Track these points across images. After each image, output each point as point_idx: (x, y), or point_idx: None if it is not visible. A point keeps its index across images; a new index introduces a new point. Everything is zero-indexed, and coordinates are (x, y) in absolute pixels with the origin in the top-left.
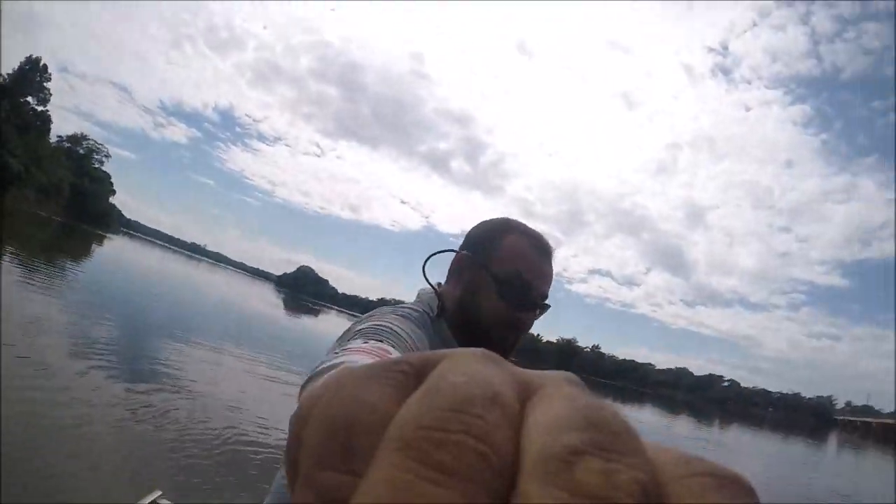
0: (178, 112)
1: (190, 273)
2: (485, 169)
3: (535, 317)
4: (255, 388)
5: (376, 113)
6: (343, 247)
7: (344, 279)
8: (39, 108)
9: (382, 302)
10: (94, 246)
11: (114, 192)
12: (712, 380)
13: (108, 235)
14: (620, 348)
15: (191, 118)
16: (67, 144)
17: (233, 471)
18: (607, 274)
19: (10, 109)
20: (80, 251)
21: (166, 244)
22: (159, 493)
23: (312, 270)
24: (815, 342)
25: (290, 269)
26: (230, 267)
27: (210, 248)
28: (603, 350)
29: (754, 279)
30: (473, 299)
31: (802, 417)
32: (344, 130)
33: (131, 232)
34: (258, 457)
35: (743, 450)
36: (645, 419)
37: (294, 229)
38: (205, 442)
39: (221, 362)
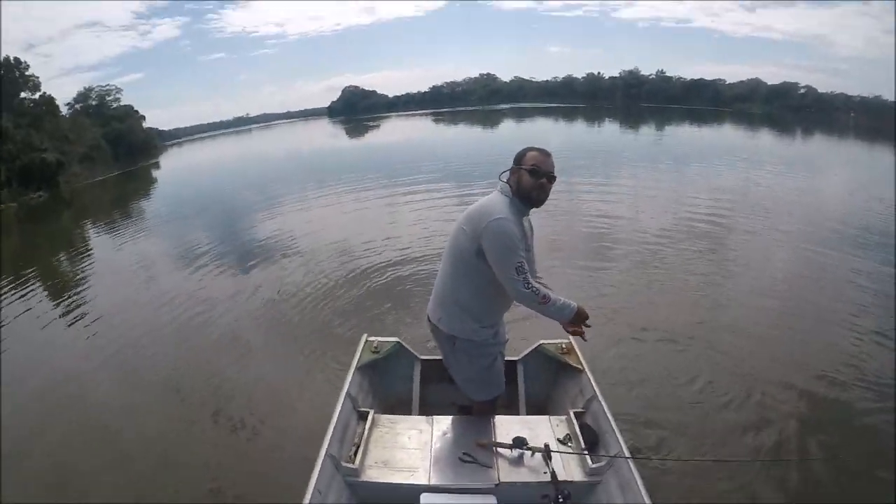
0: (155, 11)
1: (247, 146)
2: None
3: (551, 182)
4: (355, 218)
5: None
6: (376, 52)
7: (390, 83)
8: (37, 96)
9: (435, 90)
10: (154, 175)
11: (144, 118)
12: (787, 87)
13: (159, 160)
14: (686, 68)
15: (170, 9)
16: (79, 105)
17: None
18: None
19: (15, 117)
20: (146, 187)
21: (213, 132)
22: (365, 335)
23: (357, 87)
24: (891, 37)
25: (336, 95)
26: (281, 121)
27: (254, 114)
28: (669, 74)
29: None
30: (521, 183)
31: (886, 121)
32: None
33: (178, 140)
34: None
35: (829, 161)
36: (727, 138)
37: (322, 57)
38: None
39: (318, 211)
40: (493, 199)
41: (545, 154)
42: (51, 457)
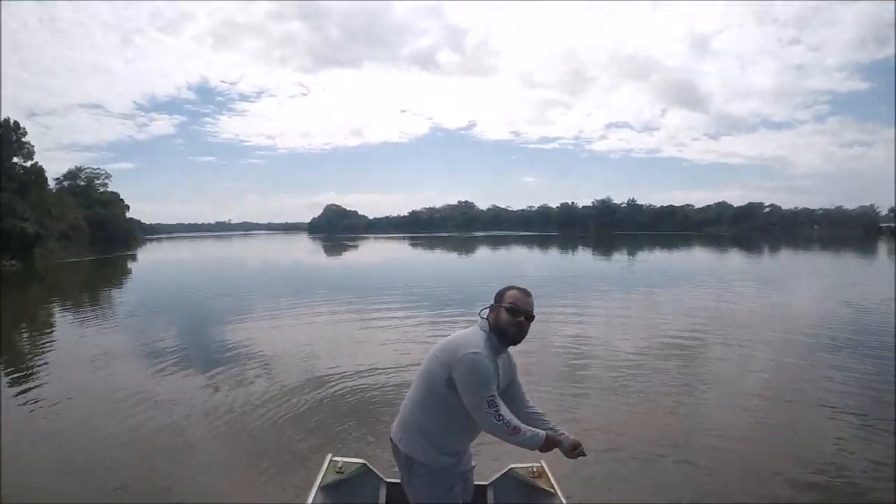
0: (155, 106)
1: (225, 251)
2: (473, 53)
3: (529, 321)
4: (325, 334)
5: (348, 32)
6: (359, 173)
7: (370, 204)
8: (28, 164)
9: (414, 215)
10: (129, 265)
11: (128, 208)
12: (753, 208)
13: (136, 252)
14: (656, 195)
15: (170, 106)
16: (67, 183)
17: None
18: (625, 125)
19: (4, 180)
20: (119, 276)
21: (193, 233)
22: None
23: (339, 206)
24: (849, 150)
25: (318, 211)
26: (261, 231)
27: (235, 220)
28: (639, 202)
29: (774, 98)
30: (499, 321)
31: (849, 230)
32: (322, 61)
33: (158, 236)
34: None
35: (797, 274)
36: (697, 260)
37: (307, 173)
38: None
39: (289, 324)
40: (471, 333)
41: (525, 294)
42: None
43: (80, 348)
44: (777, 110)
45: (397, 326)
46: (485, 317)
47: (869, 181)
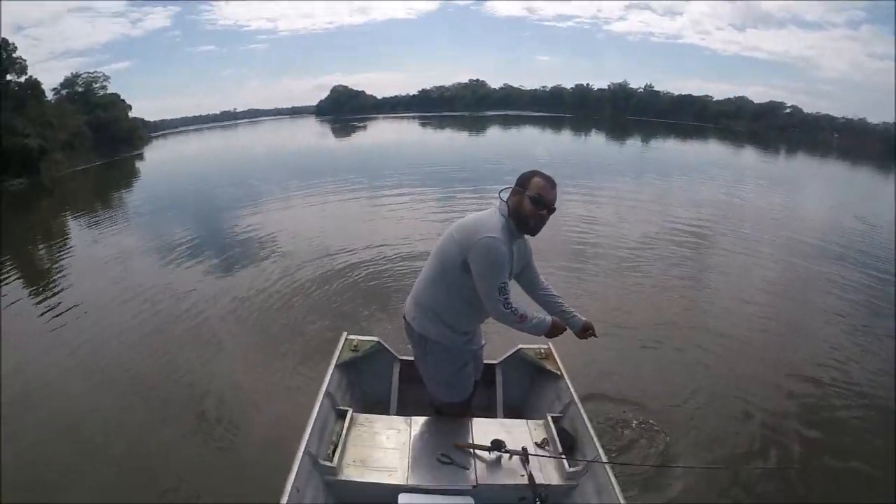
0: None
1: (232, 141)
2: None
3: (549, 214)
4: (337, 217)
5: None
6: (366, 54)
7: (378, 84)
8: (23, 79)
9: (424, 94)
10: (136, 165)
11: (130, 108)
12: (774, 107)
13: (143, 151)
14: (674, 83)
15: None
16: (65, 91)
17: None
18: (646, 7)
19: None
20: (128, 178)
21: (199, 126)
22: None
23: (346, 87)
24: (879, 63)
25: (324, 94)
26: (267, 117)
27: (240, 109)
28: (657, 88)
29: None
30: (520, 208)
31: (870, 144)
32: None
33: (163, 132)
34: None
35: (812, 179)
36: (711, 153)
37: (312, 55)
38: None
39: (299, 208)
40: (489, 216)
41: (551, 184)
42: (21, 457)
43: (97, 255)
44: (810, 8)
45: (408, 206)
46: (504, 199)
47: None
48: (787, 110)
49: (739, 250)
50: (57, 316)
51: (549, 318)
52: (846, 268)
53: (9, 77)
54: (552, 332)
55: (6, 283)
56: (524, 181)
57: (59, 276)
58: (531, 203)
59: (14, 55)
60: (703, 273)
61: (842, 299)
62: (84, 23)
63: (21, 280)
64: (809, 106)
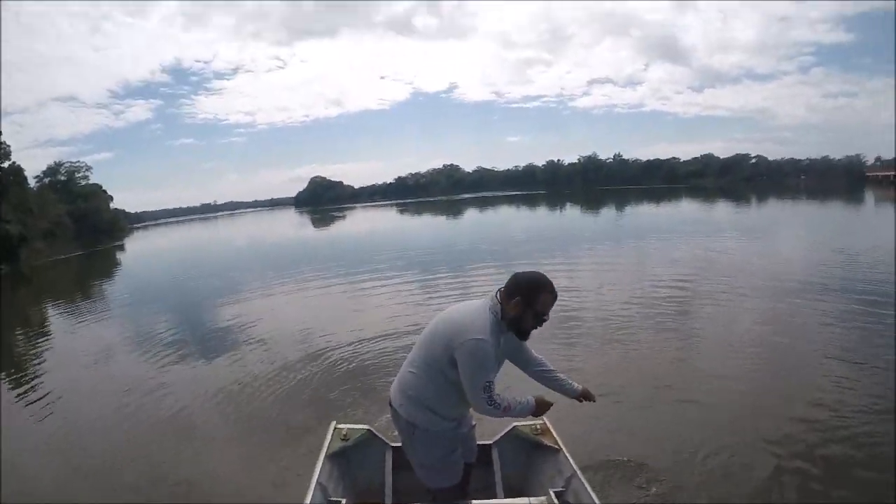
0: (130, 92)
1: (212, 233)
2: (450, 15)
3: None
4: (319, 306)
5: (321, 1)
6: (342, 144)
7: (355, 174)
8: (6, 165)
9: (400, 181)
10: (117, 256)
11: (111, 198)
12: (739, 159)
13: (123, 242)
14: (641, 149)
15: (144, 91)
16: (47, 179)
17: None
18: (607, 80)
19: None
20: (108, 269)
21: (179, 218)
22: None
23: (323, 178)
24: (833, 101)
25: (302, 185)
26: (247, 209)
27: (220, 201)
28: (625, 157)
29: (757, 50)
30: (523, 319)
31: (835, 180)
32: (297, 32)
33: (144, 224)
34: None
35: (785, 223)
36: (684, 212)
37: (289, 147)
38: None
39: (281, 299)
40: (478, 314)
41: (555, 297)
42: None
43: (76, 345)
44: (760, 62)
45: (390, 293)
46: (499, 299)
47: (854, 132)
48: (753, 160)
49: (723, 300)
50: (30, 404)
51: (531, 399)
52: (831, 299)
53: None
54: (538, 410)
55: None
56: (531, 295)
57: (36, 365)
58: (534, 318)
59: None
60: (690, 326)
61: (830, 329)
62: (68, 112)
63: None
64: (773, 153)
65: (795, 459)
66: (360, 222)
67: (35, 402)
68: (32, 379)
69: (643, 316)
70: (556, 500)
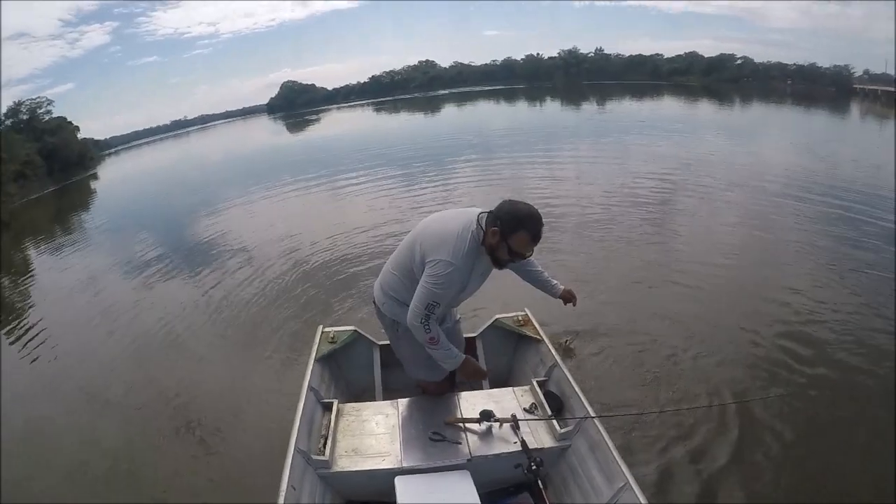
0: (83, 18)
1: (186, 149)
2: None
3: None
4: (300, 213)
5: None
6: (312, 47)
7: (328, 76)
8: None
9: (374, 80)
10: (92, 186)
11: (78, 129)
12: (724, 59)
13: (96, 171)
14: (624, 45)
15: (98, 14)
16: (10, 121)
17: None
18: None
19: None
20: (85, 200)
21: (150, 138)
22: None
23: (295, 82)
24: (826, 7)
25: (274, 91)
26: (219, 121)
27: (190, 116)
28: (607, 51)
29: None
30: (498, 249)
31: (822, 88)
32: None
33: (115, 149)
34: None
35: (769, 126)
36: (666, 110)
37: (257, 54)
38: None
39: (261, 208)
40: (458, 235)
41: (535, 236)
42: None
43: (61, 279)
44: None
45: (370, 194)
46: (483, 225)
47: (845, 41)
48: (739, 61)
49: (704, 200)
50: (23, 345)
51: (462, 355)
52: (811, 204)
53: None
54: (463, 369)
55: None
56: (509, 229)
57: (24, 305)
58: (508, 253)
59: None
60: (671, 219)
61: (809, 232)
62: (20, 49)
63: None
64: (761, 55)
65: (768, 351)
66: (336, 124)
67: (27, 341)
68: (21, 321)
69: (624, 208)
70: (538, 389)
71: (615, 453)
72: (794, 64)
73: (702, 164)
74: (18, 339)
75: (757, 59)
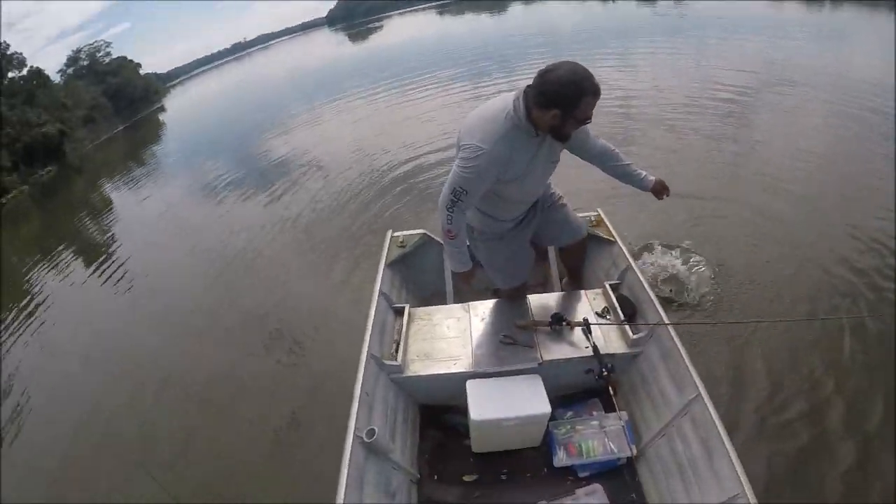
0: None
1: (248, 71)
2: None
3: None
4: (368, 123)
5: None
6: None
7: None
8: (25, 72)
9: None
10: (160, 118)
11: (139, 66)
12: None
13: (163, 103)
14: None
15: None
16: (71, 70)
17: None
18: None
19: (7, 98)
20: (154, 133)
21: (212, 64)
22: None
23: None
24: None
25: (332, 3)
26: (279, 39)
27: (250, 37)
28: None
29: None
30: (565, 126)
31: None
32: None
33: (179, 80)
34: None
35: (865, 33)
36: (749, 7)
37: None
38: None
39: (329, 121)
40: (493, 117)
41: (598, 93)
42: (135, 414)
43: (144, 210)
44: None
45: (438, 102)
46: (522, 103)
47: None
48: None
49: (787, 111)
50: (126, 282)
51: (469, 260)
52: None
53: (11, 75)
54: (463, 275)
55: (70, 266)
56: (571, 104)
57: (115, 244)
58: (577, 124)
59: (8, 52)
60: (755, 133)
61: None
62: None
63: (80, 259)
64: None
65: (854, 273)
66: (400, 30)
67: (119, 277)
68: (110, 258)
69: (702, 118)
70: (611, 292)
71: (688, 363)
72: None
73: (790, 71)
74: (112, 276)
75: None
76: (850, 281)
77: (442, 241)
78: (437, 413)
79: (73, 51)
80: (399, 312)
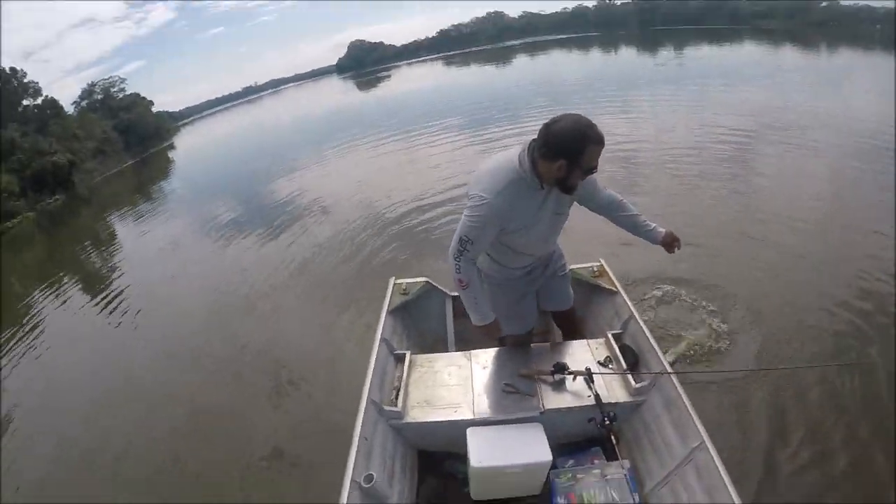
0: None
1: (258, 115)
2: None
3: None
4: (373, 170)
5: None
6: (378, 4)
7: (395, 33)
8: (39, 101)
9: (443, 34)
10: (169, 155)
11: (152, 103)
12: (809, 2)
13: (172, 141)
14: None
15: None
16: (85, 102)
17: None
18: None
19: (20, 126)
20: (163, 169)
21: (222, 106)
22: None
23: (363, 41)
24: None
25: (342, 52)
26: (289, 85)
27: (261, 81)
28: None
29: None
30: (570, 177)
31: None
32: None
33: (190, 120)
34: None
35: (861, 76)
36: (748, 56)
37: (323, 15)
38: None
39: (335, 167)
40: (492, 171)
41: (602, 142)
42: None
43: (146, 246)
44: None
45: (442, 148)
46: (528, 154)
47: None
48: (824, 4)
49: (789, 156)
50: (128, 316)
51: (491, 315)
52: None
53: (25, 103)
54: (489, 328)
55: (68, 293)
56: (576, 154)
57: (111, 275)
58: (583, 174)
59: (25, 80)
60: (756, 180)
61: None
62: (89, 34)
63: (82, 290)
64: None
65: (852, 318)
66: (407, 80)
67: (117, 309)
68: (109, 289)
69: (704, 166)
70: (613, 342)
71: (691, 411)
72: (883, 7)
73: (788, 115)
74: (109, 307)
75: (843, 2)
76: (856, 324)
77: (448, 291)
78: (437, 460)
79: (88, 84)
80: (400, 359)
